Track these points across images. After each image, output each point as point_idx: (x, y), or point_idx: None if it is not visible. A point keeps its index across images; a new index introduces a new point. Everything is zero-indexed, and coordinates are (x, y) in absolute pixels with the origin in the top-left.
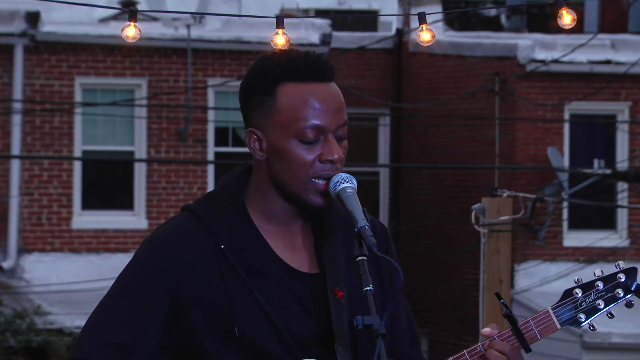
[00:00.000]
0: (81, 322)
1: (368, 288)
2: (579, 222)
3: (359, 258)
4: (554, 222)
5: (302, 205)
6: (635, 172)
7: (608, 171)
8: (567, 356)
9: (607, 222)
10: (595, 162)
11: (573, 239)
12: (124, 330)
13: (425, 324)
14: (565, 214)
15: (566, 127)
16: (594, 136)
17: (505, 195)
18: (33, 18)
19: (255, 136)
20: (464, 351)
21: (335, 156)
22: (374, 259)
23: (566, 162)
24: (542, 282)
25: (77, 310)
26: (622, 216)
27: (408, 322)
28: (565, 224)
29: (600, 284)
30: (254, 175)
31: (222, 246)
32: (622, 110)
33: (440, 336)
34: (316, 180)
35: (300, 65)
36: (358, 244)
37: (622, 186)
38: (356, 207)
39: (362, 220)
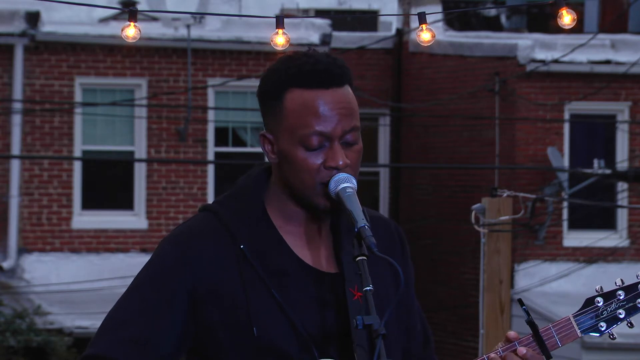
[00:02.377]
0: (81, 322)
1: (368, 288)
2: (579, 222)
3: (359, 258)
4: (554, 222)
5: (311, 208)
6: (635, 172)
7: (608, 171)
8: (567, 356)
9: (607, 222)
10: (595, 162)
11: (573, 239)
12: (141, 326)
13: None
14: (565, 214)
15: (566, 127)
16: (594, 136)
17: (505, 195)
18: (33, 18)
19: (267, 140)
20: (484, 356)
21: (340, 162)
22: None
23: (566, 162)
24: (542, 282)
25: (77, 310)
26: (622, 216)
27: (421, 323)
28: (565, 224)
29: (621, 294)
30: (273, 175)
31: (242, 246)
32: (622, 110)
33: (440, 336)
34: (323, 185)
35: (307, 72)
36: (358, 244)
37: (622, 186)
38: (356, 207)
39: (361, 220)
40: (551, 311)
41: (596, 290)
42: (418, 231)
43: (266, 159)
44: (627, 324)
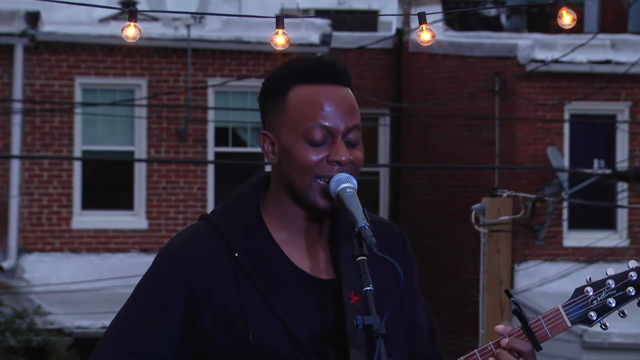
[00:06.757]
0: (81, 322)
1: (368, 288)
2: (579, 222)
3: (359, 258)
4: (554, 222)
5: (310, 207)
6: (635, 172)
7: (608, 171)
8: (567, 356)
9: (607, 222)
10: (595, 162)
11: (573, 239)
12: (140, 337)
13: None
14: (565, 214)
15: (566, 127)
16: (594, 136)
17: (505, 195)
18: (33, 18)
19: (268, 139)
20: (475, 350)
21: (343, 158)
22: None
23: (566, 162)
24: (542, 282)
25: (77, 310)
26: (622, 216)
27: (427, 320)
28: (565, 224)
29: (611, 282)
30: (272, 181)
31: (236, 254)
32: (622, 110)
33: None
34: (319, 180)
35: (312, 67)
36: (358, 244)
37: (622, 186)
38: (356, 207)
39: (362, 220)
40: None
41: (586, 280)
42: (418, 231)
43: (266, 161)
44: (619, 314)
